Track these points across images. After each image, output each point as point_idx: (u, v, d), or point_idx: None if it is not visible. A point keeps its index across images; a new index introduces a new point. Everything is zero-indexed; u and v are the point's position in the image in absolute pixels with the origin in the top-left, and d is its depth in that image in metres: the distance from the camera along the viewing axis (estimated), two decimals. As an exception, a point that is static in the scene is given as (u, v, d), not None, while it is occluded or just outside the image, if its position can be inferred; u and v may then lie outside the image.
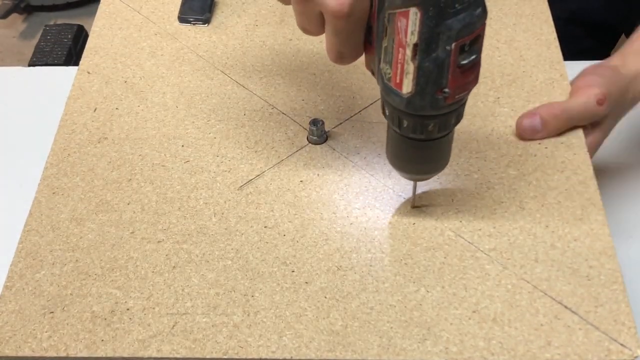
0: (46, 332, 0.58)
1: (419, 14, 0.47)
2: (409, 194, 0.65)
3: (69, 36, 1.00)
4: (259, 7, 0.85)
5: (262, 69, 0.78)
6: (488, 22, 0.80)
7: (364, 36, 0.56)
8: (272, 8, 0.85)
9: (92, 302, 0.59)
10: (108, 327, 0.58)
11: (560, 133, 0.69)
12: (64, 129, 0.73)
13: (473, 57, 0.50)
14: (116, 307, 0.59)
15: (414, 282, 0.59)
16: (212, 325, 0.57)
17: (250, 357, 0.55)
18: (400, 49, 0.50)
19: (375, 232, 0.63)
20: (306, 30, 0.57)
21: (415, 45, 0.49)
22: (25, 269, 0.62)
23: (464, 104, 0.55)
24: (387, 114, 0.55)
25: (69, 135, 0.72)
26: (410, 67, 0.50)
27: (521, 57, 0.77)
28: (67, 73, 0.91)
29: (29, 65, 0.99)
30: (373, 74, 0.56)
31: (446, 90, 0.51)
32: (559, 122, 0.69)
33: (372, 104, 0.73)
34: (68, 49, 0.97)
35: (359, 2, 0.52)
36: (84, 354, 0.56)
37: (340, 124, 0.72)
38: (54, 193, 0.67)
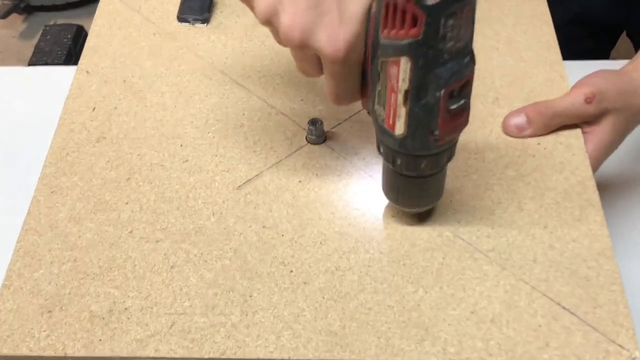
0: (44, 331, 0.58)
1: (409, 63, 0.50)
2: (407, 194, 0.65)
3: (69, 36, 1.00)
4: (258, 7, 0.85)
5: (261, 69, 0.78)
6: (488, 22, 0.81)
7: (360, 79, 0.57)
8: (272, 8, 0.85)
9: (90, 301, 0.59)
10: (106, 326, 0.58)
11: (554, 132, 0.69)
12: (62, 128, 0.73)
13: (462, 101, 0.52)
14: (114, 306, 0.59)
15: (412, 283, 0.59)
16: (210, 325, 0.57)
17: (248, 357, 0.55)
18: (393, 94, 0.52)
19: (373, 233, 0.62)
20: (306, 73, 0.59)
21: (407, 92, 0.51)
22: (23, 268, 0.62)
23: (455, 144, 0.57)
24: (382, 151, 0.58)
25: (67, 134, 0.72)
26: (402, 111, 0.52)
27: (521, 57, 0.77)
28: (67, 73, 0.91)
29: (29, 65, 0.99)
30: (369, 113, 0.58)
31: (436, 132, 0.53)
32: (545, 119, 0.69)
33: (371, 104, 0.73)
34: (68, 49, 0.97)
35: (354, 48, 0.54)
36: (82, 354, 0.56)
37: (339, 124, 0.72)
38: (52, 192, 0.67)
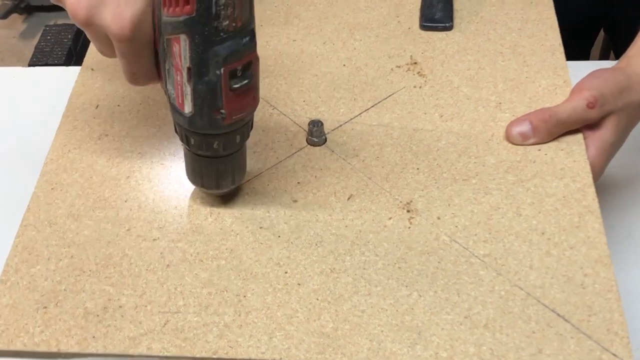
0: (39, 327, 0.58)
1: (187, 40, 0.52)
2: (406, 197, 0.65)
3: (69, 36, 1.00)
4: (263, 8, 0.85)
5: (264, 70, 0.78)
6: (494, 26, 0.81)
7: (153, 58, 0.59)
8: (277, 8, 0.85)
9: (86, 298, 0.59)
10: (100, 323, 0.58)
11: (556, 138, 0.69)
12: (65, 125, 0.73)
13: (245, 81, 0.55)
14: (109, 303, 0.59)
15: (406, 286, 0.59)
16: (203, 325, 0.57)
17: (239, 357, 0.55)
18: (178, 72, 0.55)
19: (370, 235, 0.62)
20: (102, 53, 0.60)
21: (189, 69, 0.54)
22: (20, 264, 0.62)
23: (247, 124, 0.59)
24: (177, 132, 0.60)
25: (70, 131, 0.73)
26: (188, 89, 0.55)
27: (525, 62, 0.77)
28: (67, 73, 0.91)
29: (29, 65, 0.99)
30: (166, 94, 0.60)
31: (223, 111, 0.55)
32: (549, 127, 0.68)
33: (372, 106, 0.73)
34: (68, 49, 0.98)
35: (140, 26, 0.55)
36: (75, 350, 0.56)
37: (340, 126, 0.72)
38: (52, 188, 0.67)
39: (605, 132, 0.69)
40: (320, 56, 0.79)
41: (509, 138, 0.69)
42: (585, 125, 0.70)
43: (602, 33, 1.24)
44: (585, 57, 1.26)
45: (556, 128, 0.69)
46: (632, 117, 0.70)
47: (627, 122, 0.70)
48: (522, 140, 0.69)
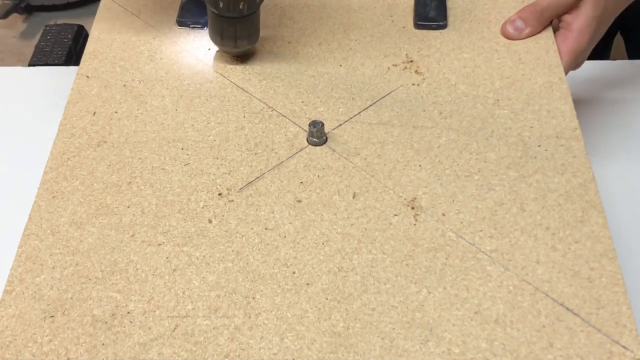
0: (46, 336, 0.57)
1: None
2: (410, 194, 0.65)
3: (69, 36, 1.00)
4: (257, 10, 0.85)
5: (261, 72, 0.78)
6: (487, 24, 0.81)
7: None
8: (271, 11, 0.85)
9: (93, 305, 0.59)
10: (109, 330, 0.57)
11: (553, 132, 0.69)
12: (63, 133, 0.73)
13: None
14: (117, 310, 0.59)
15: (415, 283, 0.59)
16: (213, 328, 0.57)
17: (251, 359, 0.55)
18: None
19: (376, 233, 0.62)
20: None
21: None
22: (25, 273, 0.61)
23: None
24: None
25: (68, 139, 0.72)
26: None
27: (520, 60, 0.77)
28: (67, 73, 0.91)
29: (29, 65, 0.98)
30: None
31: None
32: (537, 15, 0.78)
33: (371, 105, 0.73)
34: (68, 49, 0.97)
35: None
36: (85, 358, 0.56)
37: (340, 125, 0.72)
38: (53, 197, 0.67)
39: (586, 8, 0.78)
40: (317, 57, 0.79)
41: (506, 35, 0.79)
42: (569, 10, 0.79)
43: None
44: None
45: (542, 15, 0.78)
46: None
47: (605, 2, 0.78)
48: (518, 34, 0.79)
